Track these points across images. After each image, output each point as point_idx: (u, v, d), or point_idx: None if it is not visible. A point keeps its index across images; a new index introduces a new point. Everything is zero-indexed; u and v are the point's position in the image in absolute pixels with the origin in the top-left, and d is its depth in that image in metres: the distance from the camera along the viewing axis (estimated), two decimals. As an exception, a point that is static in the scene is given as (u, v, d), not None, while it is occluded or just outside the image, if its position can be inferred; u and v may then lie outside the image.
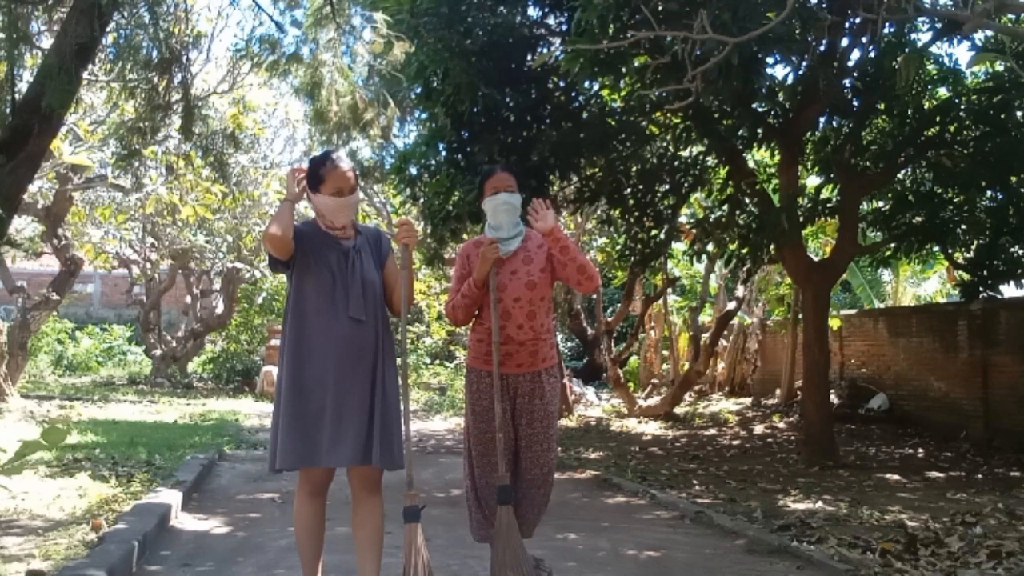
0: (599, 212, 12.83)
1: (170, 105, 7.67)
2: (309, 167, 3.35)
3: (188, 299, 19.45)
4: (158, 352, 18.02)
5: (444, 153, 8.59)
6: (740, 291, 14.05)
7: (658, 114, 9.42)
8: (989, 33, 7.36)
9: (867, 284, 15.82)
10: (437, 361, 20.62)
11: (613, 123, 9.13)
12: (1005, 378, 9.80)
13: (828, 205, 9.38)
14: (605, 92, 9.35)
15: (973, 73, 9.54)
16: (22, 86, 5.84)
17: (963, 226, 9.29)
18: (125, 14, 6.48)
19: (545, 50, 8.51)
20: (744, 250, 9.47)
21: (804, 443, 8.94)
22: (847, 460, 8.65)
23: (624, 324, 18.40)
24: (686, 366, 14.84)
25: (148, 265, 18.24)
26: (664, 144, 10.31)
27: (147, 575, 4.00)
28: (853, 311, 14.05)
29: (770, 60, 7.10)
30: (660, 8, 6.14)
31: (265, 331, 18.41)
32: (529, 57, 8.33)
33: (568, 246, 3.72)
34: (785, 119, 8.82)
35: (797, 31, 6.52)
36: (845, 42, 8.10)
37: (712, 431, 11.80)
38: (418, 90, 8.45)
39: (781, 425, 12.00)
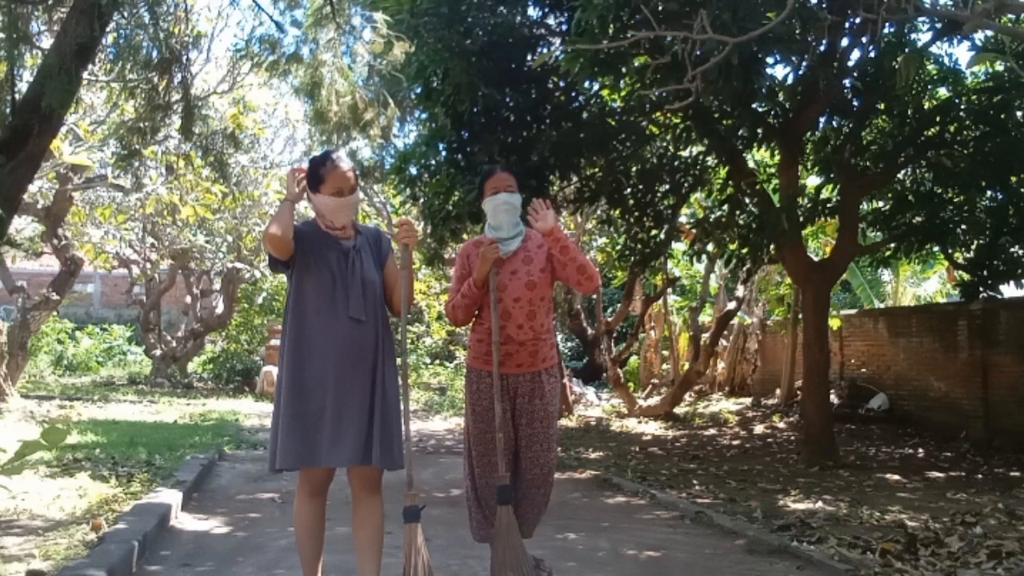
0: (599, 212, 12.83)
1: (170, 105, 7.67)
2: (309, 167, 3.35)
3: (188, 299, 19.45)
4: (158, 352, 18.02)
5: (444, 153, 8.59)
6: (740, 291, 14.05)
7: (658, 114, 9.42)
8: (989, 33, 7.36)
9: (867, 284, 15.82)
10: (437, 361, 20.62)
11: (613, 123, 9.13)
12: (1005, 378, 9.80)
13: (828, 205, 9.38)
14: (605, 92, 9.35)
15: (973, 73, 9.54)
16: (22, 86, 5.84)
17: (963, 226, 9.29)
18: (125, 14, 6.48)
19: (545, 50, 8.51)
20: (744, 250, 9.47)
21: (804, 443, 8.94)
22: (847, 460, 8.65)
23: (624, 324, 18.40)
24: (686, 366, 14.84)
25: (148, 265, 18.24)
26: (664, 144, 10.31)
27: (147, 575, 4.00)
28: (853, 311, 14.06)
29: (770, 60, 7.10)
30: (660, 8, 6.14)
31: (265, 331, 18.41)
32: (529, 57, 8.33)
33: (568, 246, 3.72)
34: (785, 119, 8.82)
35: (797, 31, 6.52)
36: (845, 42, 8.10)
37: (712, 431, 11.80)
38: (418, 90, 8.45)
39: (781, 425, 12.00)
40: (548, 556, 4.08)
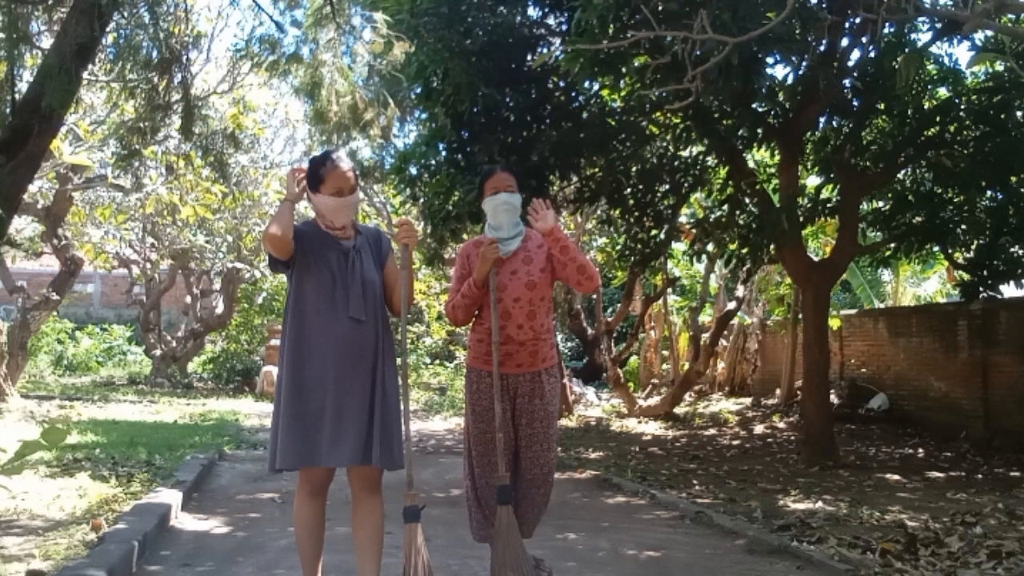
0: (599, 212, 12.83)
1: (170, 105, 7.67)
2: (309, 167, 3.35)
3: (188, 299, 19.45)
4: (158, 352, 18.02)
5: (444, 153, 8.59)
6: (740, 291, 14.05)
7: (658, 114, 9.42)
8: (989, 33, 7.36)
9: (867, 284, 15.82)
10: (437, 361, 20.62)
11: (613, 123, 9.13)
12: (1005, 378, 9.80)
13: (828, 205, 9.38)
14: (605, 92, 9.35)
15: (973, 73, 9.54)
16: (22, 86, 5.84)
17: (963, 226, 9.29)
18: (125, 14, 6.48)
19: (545, 50, 8.51)
20: (744, 250, 9.47)
21: (804, 443, 8.94)
22: (847, 460, 8.65)
23: (624, 324, 18.40)
24: (686, 366, 14.84)
25: (148, 265, 18.24)
26: (664, 144, 10.31)
27: (147, 575, 4.00)
28: (853, 311, 14.06)
29: (770, 60, 7.10)
30: (660, 8, 6.13)
31: (265, 331, 18.42)
32: (529, 57, 8.33)
33: (568, 246, 3.72)
34: (785, 119, 8.82)
35: (797, 31, 6.52)
36: (845, 42, 8.10)
37: (712, 431, 11.80)
38: (418, 90, 8.45)
39: (781, 425, 12.00)
40: (548, 556, 4.08)
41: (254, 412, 12.65)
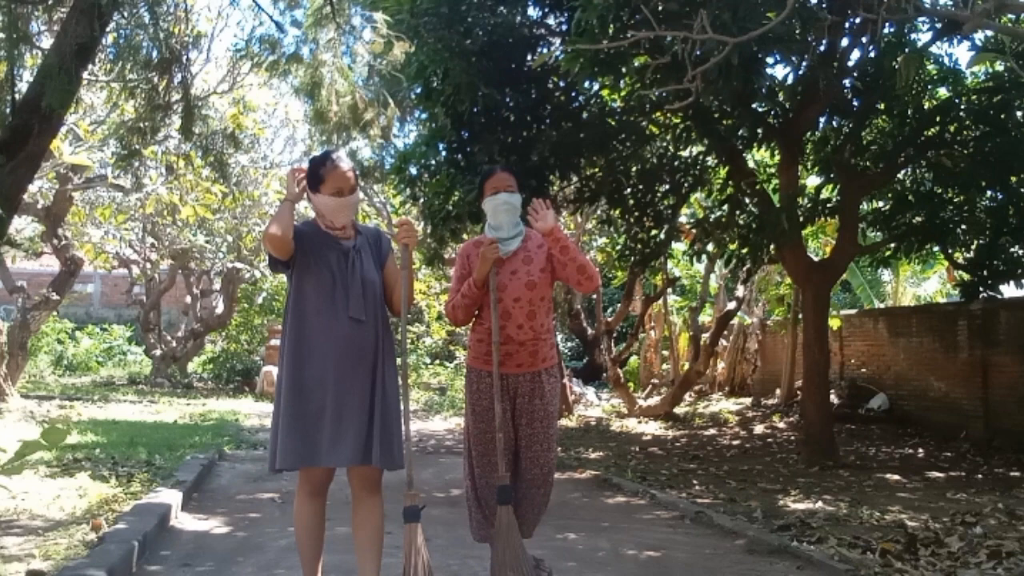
0: (599, 212, 12.83)
1: (170, 105, 7.67)
2: (309, 167, 3.35)
3: (188, 299, 19.45)
4: (158, 352, 18.02)
5: (444, 153, 8.59)
6: (740, 291, 14.05)
7: (658, 114, 9.41)
8: (989, 33, 7.36)
9: (867, 284, 15.82)
10: (437, 361, 20.62)
11: (613, 123, 9.13)
12: (1005, 378, 9.80)
13: (828, 205, 9.38)
14: (605, 92, 9.35)
15: (973, 73, 9.54)
16: (22, 86, 5.84)
17: (963, 226, 9.29)
18: (125, 14, 6.48)
19: (545, 50, 8.51)
20: (744, 250, 9.47)
21: (804, 443, 8.94)
22: (847, 460, 8.65)
23: (624, 324, 18.40)
24: (686, 366, 14.84)
25: (148, 265, 18.24)
26: (664, 144, 10.31)
27: (147, 575, 4.00)
28: (853, 311, 14.06)
29: (770, 60, 7.10)
30: (660, 8, 6.13)
31: (265, 331, 18.42)
32: (529, 57, 8.33)
33: (568, 246, 3.72)
34: (785, 119, 8.82)
35: (797, 31, 6.52)
36: (845, 42, 8.10)
37: (712, 431, 11.80)
38: (418, 90, 8.45)
39: (781, 425, 12.00)
40: (548, 556, 4.08)
41: (254, 412, 12.65)
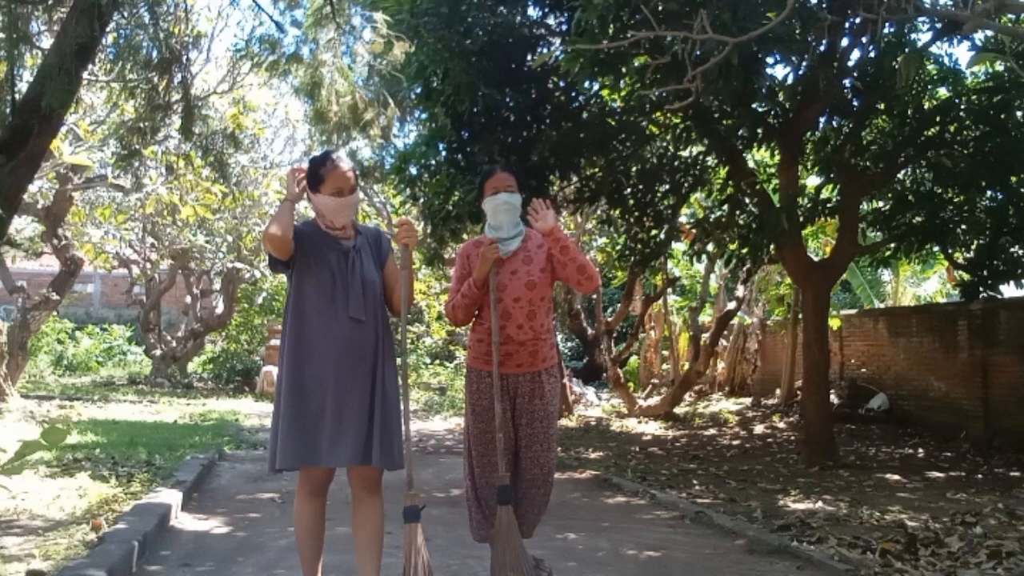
0: (599, 212, 12.83)
1: (170, 105, 7.67)
2: (309, 167, 3.35)
3: (188, 299, 19.45)
4: (158, 352, 18.02)
5: (444, 153, 8.59)
6: (740, 291, 14.05)
7: (658, 114, 9.41)
8: (989, 33, 7.36)
9: (867, 284, 15.82)
10: (437, 361, 20.62)
11: (613, 123, 9.13)
12: (1005, 378, 9.80)
13: (828, 205, 9.38)
14: (605, 92, 9.35)
15: (973, 73, 9.54)
16: (22, 86, 5.84)
17: (963, 226, 9.29)
18: (125, 14, 6.48)
19: (545, 50, 8.51)
20: (744, 250, 9.47)
21: (804, 443, 8.94)
22: (847, 460, 8.65)
23: (624, 324, 18.40)
24: (686, 366, 14.84)
25: (148, 265, 18.24)
26: (664, 144, 10.31)
27: (147, 575, 4.00)
28: (853, 311, 14.06)
29: (770, 60, 7.10)
30: (660, 8, 6.13)
31: (265, 331, 18.42)
32: (529, 57, 8.33)
33: (568, 246, 3.72)
34: (785, 119, 8.82)
35: (797, 31, 6.52)
36: (845, 42, 8.10)
37: (712, 431, 11.80)
38: (418, 90, 8.45)
39: (781, 425, 12.00)
40: (548, 556, 4.08)
41: (254, 412, 12.65)
